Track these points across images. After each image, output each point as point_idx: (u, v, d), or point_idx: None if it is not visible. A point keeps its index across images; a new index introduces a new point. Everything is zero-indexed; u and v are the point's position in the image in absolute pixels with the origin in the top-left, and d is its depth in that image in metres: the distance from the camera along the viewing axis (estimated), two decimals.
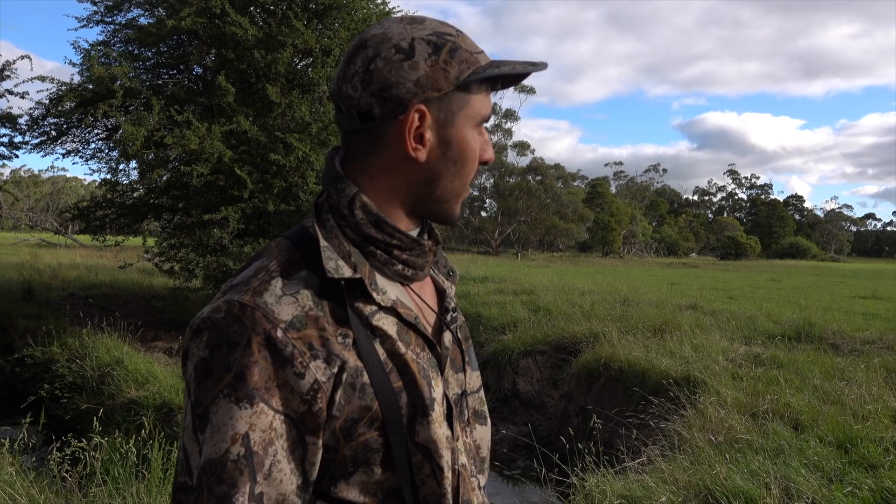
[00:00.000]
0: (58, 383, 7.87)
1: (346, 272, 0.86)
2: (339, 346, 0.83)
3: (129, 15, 12.17)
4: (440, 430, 0.90)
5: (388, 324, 0.89)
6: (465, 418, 1.01)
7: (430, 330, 0.96)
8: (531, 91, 58.24)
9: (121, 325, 9.27)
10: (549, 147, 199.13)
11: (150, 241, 12.48)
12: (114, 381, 7.63)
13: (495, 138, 57.53)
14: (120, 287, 14.86)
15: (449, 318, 1.03)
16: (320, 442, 0.83)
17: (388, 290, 0.92)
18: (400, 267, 0.94)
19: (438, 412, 0.91)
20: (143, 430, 5.09)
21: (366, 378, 0.84)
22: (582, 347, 8.68)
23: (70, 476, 4.18)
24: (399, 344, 0.89)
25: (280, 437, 0.80)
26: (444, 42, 0.89)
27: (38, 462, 5.17)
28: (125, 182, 12.35)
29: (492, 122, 57.15)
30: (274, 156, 10.06)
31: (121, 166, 12.05)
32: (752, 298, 14.83)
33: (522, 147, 58.55)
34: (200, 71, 12.20)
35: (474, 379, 1.07)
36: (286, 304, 0.83)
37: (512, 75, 0.95)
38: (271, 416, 0.79)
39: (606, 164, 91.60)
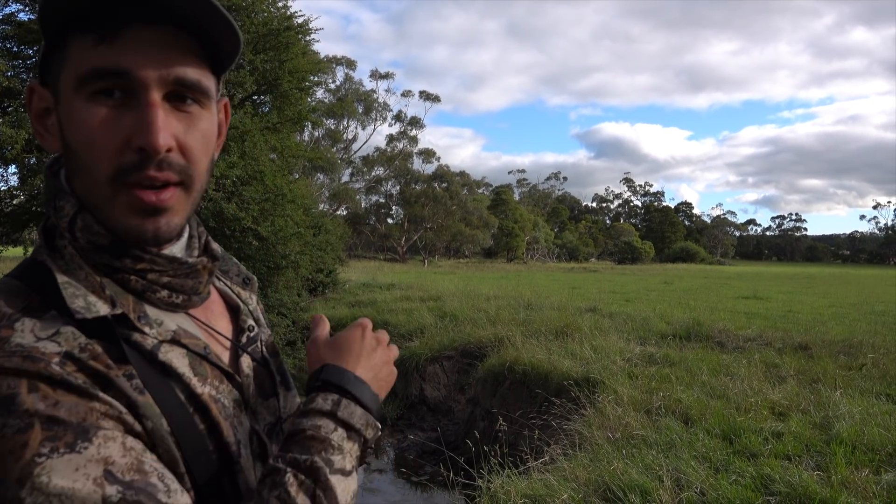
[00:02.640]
0: None
1: (102, 308, 0.67)
2: (128, 387, 0.66)
3: (7, 10, 11.42)
4: (251, 475, 0.76)
5: (176, 357, 0.73)
6: None
7: (226, 357, 0.81)
8: (436, 99, 58.76)
9: None
10: (454, 154, 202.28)
11: None
12: None
13: (401, 146, 57.42)
14: None
15: (245, 339, 0.86)
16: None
17: (165, 321, 0.74)
18: (165, 293, 0.75)
19: (246, 455, 0.76)
20: None
21: (165, 425, 0.68)
22: (488, 352, 8.83)
23: None
24: (195, 381, 0.73)
25: (145, 452, 0.63)
26: None
27: None
28: (3, 188, 11.63)
29: (397, 128, 56.94)
30: None
31: None
32: (646, 300, 15.58)
33: (428, 154, 58.89)
34: None
35: (291, 400, 0.90)
36: (47, 346, 0.63)
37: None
38: (119, 437, 0.62)
39: (510, 172, 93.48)
